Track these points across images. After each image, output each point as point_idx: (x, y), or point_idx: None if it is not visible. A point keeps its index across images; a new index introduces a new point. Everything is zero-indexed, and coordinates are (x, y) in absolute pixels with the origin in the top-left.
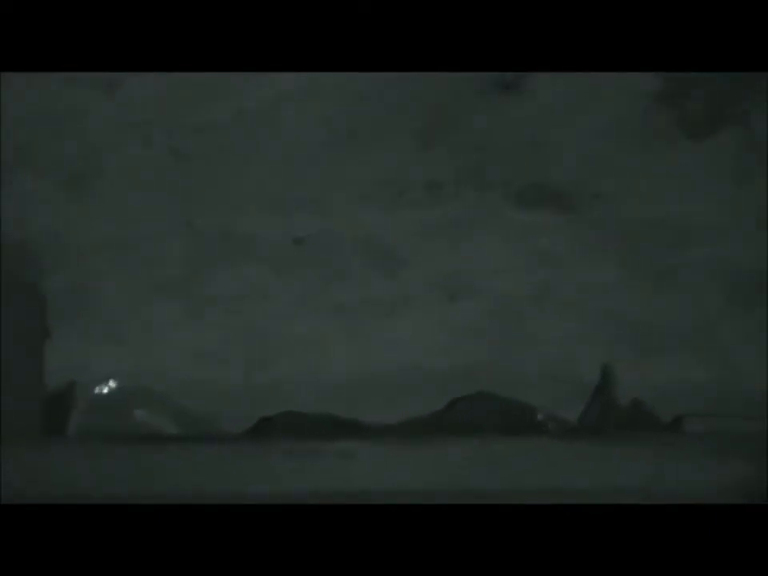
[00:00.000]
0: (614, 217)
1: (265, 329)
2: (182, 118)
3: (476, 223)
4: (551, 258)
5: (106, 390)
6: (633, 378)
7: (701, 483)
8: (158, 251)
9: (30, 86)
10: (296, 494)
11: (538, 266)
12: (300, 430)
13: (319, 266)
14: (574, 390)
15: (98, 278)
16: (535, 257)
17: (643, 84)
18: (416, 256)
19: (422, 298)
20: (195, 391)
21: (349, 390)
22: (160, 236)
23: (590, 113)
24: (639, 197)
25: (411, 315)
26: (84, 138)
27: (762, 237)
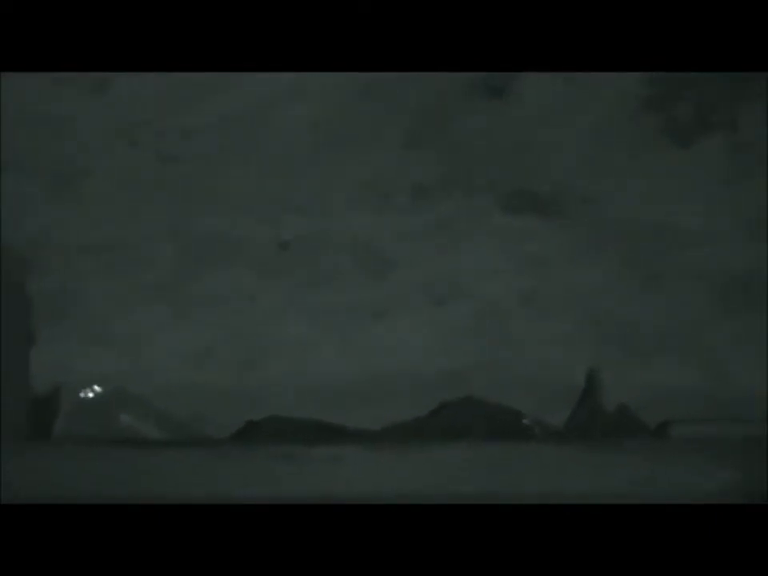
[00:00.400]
0: (601, 221)
1: (252, 332)
2: (170, 121)
3: (464, 227)
4: (539, 261)
5: (91, 394)
6: (620, 382)
7: (688, 488)
8: (146, 254)
9: (18, 88)
10: (282, 499)
11: (525, 270)
12: (286, 435)
13: (307, 269)
14: (560, 394)
15: (85, 280)
16: (523, 260)
17: (631, 88)
18: (404, 260)
19: (410, 301)
20: (181, 395)
21: (335, 394)
22: (147, 239)
23: (577, 116)
24: (627, 200)
25: (399, 319)
26: (72, 141)
27: (750, 240)
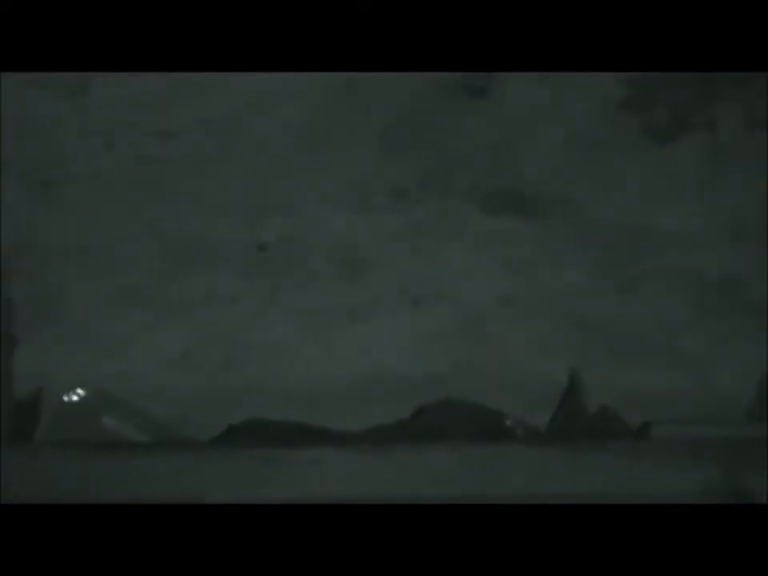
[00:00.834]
0: (580, 223)
1: (232, 334)
2: (149, 124)
3: (442, 229)
4: (518, 263)
5: (74, 398)
6: (601, 383)
7: (670, 489)
8: (126, 257)
9: None
10: (263, 501)
11: (504, 272)
12: (268, 437)
13: (286, 271)
14: (540, 395)
15: (66, 283)
16: (502, 262)
17: (609, 90)
18: (382, 262)
19: (390, 303)
20: (163, 397)
21: (316, 397)
22: (127, 242)
23: (556, 119)
24: (606, 203)
25: (378, 321)
26: (51, 144)
27: (729, 242)
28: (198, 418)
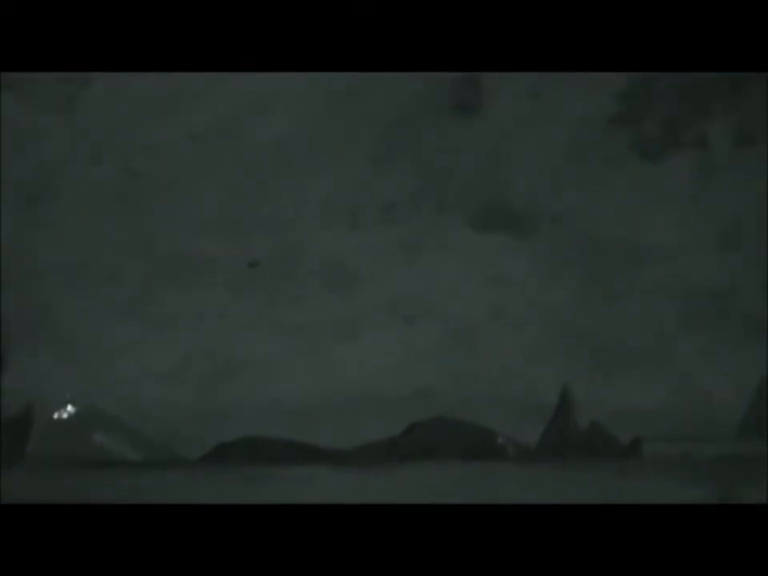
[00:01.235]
0: (570, 237)
1: (221, 351)
2: (138, 138)
3: (433, 244)
4: (508, 278)
5: (65, 414)
6: (591, 398)
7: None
8: (114, 272)
9: None
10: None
11: (494, 287)
12: (258, 455)
13: (276, 287)
14: (532, 411)
15: (55, 298)
16: (492, 277)
17: (600, 105)
18: (372, 277)
19: (379, 319)
20: (152, 413)
21: (306, 414)
22: (115, 256)
23: (546, 134)
24: (595, 217)
25: (368, 337)
26: (39, 158)
27: (720, 256)
28: (187, 433)
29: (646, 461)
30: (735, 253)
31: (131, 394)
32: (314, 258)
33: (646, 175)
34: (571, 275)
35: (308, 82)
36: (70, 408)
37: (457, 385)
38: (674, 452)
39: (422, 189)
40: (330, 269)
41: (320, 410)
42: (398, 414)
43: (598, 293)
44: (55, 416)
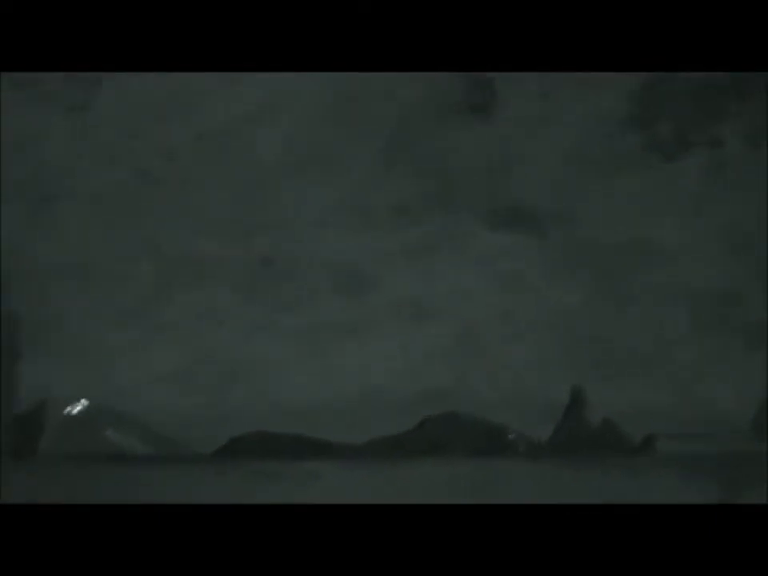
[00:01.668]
0: (580, 239)
1: (230, 352)
2: (147, 141)
3: (442, 245)
4: (518, 280)
5: (76, 410)
6: (600, 399)
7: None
8: (125, 274)
9: None
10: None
11: (504, 289)
12: (269, 450)
13: (284, 289)
14: (542, 410)
15: (65, 300)
16: (502, 279)
17: (610, 106)
18: (382, 278)
19: (389, 320)
20: (163, 413)
21: (317, 411)
22: (126, 258)
23: (557, 136)
24: (606, 219)
25: (378, 337)
26: (46, 159)
27: (729, 259)
28: (198, 432)
29: (656, 459)
30: (745, 256)
31: (143, 394)
32: (322, 260)
33: (658, 177)
34: (582, 277)
35: (317, 83)
36: (83, 403)
37: (467, 386)
38: (683, 451)
39: (433, 190)
40: (338, 271)
41: (328, 412)
42: (408, 415)
43: (609, 295)
44: (66, 412)
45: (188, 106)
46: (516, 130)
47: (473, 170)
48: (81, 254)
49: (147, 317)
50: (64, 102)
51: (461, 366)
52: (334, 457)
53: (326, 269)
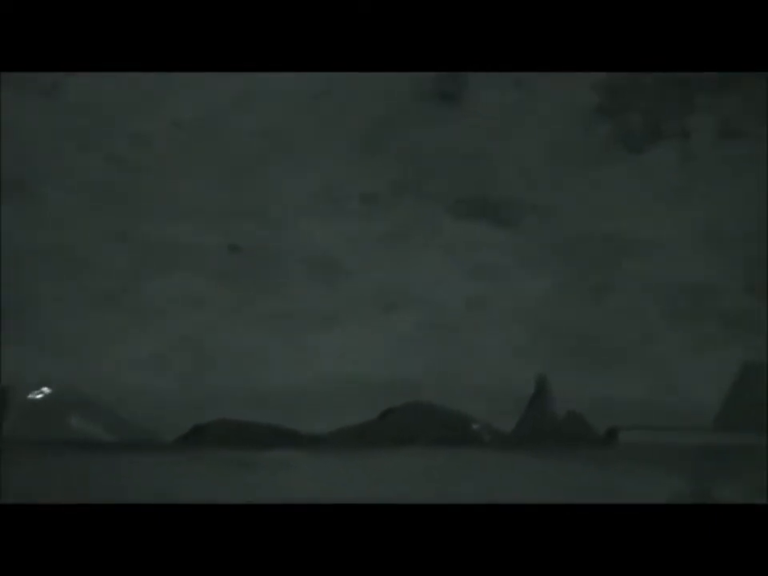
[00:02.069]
0: (551, 230)
1: (202, 338)
2: (122, 126)
3: (414, 235)
4: (488, 270)
5: (40, 396)
6: (571, 390)
7: (635, 494)
8: (96, 259)
9: None
10: (229, 503)
11: (475, 278)
12: (236, 439)
13: (257, 275)
14: (509, 401)
15: (35, 284)
16: (473, 269)
17: (584, 97)
18: (354, 267)
19: (360, 308)
20: (133, 399)
21: (286, 400)
22: (97, 244)
23: (529, 126)
24: (577, 210)
25: (348, 326)
26: (22, 145)
27: (700, 251)
28: (168, 419)
29: (622, 451)
30: (718, 248)
31: (112, 381)
32: (296, 248)
33: (630, 169)
34: (554, 268)
35: (291, 74)
36: (45, 390)
37: (437, 375)
38: (650, 442)
39: (405, 180)
40: (312, 258)
41: (301, 399)
42: (379, 402)
43: (580, 285)
44: (31, 397)
45: (165, 94)
46: (488, 120)
47: (445, 159)
48: (54, 239)
49: (122, 302)
50: (39, 85)
51: (432, 355)
52: (301, 446)
53: (299, 256)
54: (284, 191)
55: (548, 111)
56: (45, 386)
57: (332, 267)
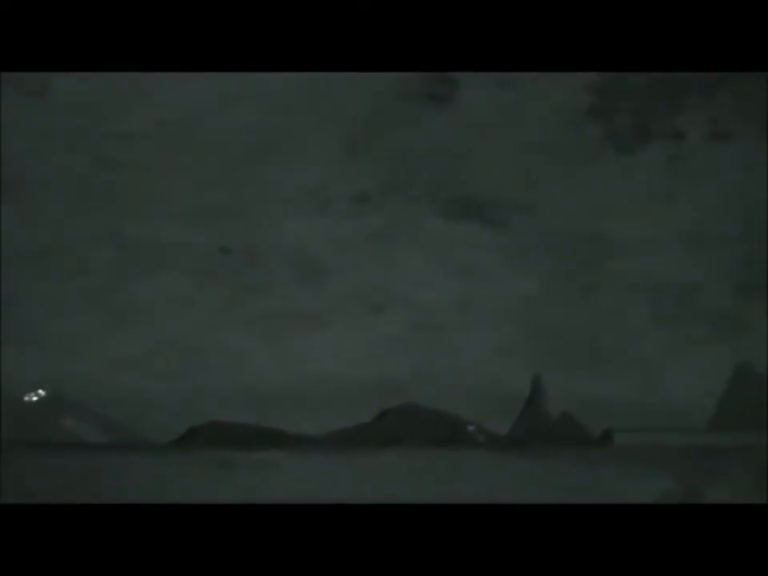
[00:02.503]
0: (539, 230)
1: (190, 338)
2: (108, 126)
3: (401, 235)
4: (476, 270)
5: (34, 398)
6: (559, 390)
7: (627, 495)
8: (83, 259)
9: None
10: (219, 504)
11: (463, 278)
12: (226, 440)
13: (244, 276)
14: (499, 402)
15: (23, 285)
16: (460, 269)
17: (573, 98)
18: (341, 267)
19: (348, 309)
20: (120, 400)
21: (274, 401)
22: (86, 244)
23: (516, 126)
24: (564, 210)
25: (337, 326)
26: (8, 145)
27: (688, 251)
28: (155, 420)
29: (615, 451)
30: (705, 248)
31: (101, 381)
32: (282, 248)
33: (618, 169)
34: (541, 267)
35: (280, 76)
36: (39, 392)
37: (425, 375)
38: (642, 443)
39: (392, 180)
40: (298, 259)
41: (287, 399)
42: (366, 403)
43: (568, 286)
44: (25, 399)
45: (152, 94)
46: (476, 120)
47: (433, 159)
48: (42, 240)
49: (108, 302)
50: (25, 84)
51: (419, 355)
52: (290, 447)
53: (285, 257)
54: (271, 192)
55: (536, 112)
56: (35, 387)
57: (319, 267)
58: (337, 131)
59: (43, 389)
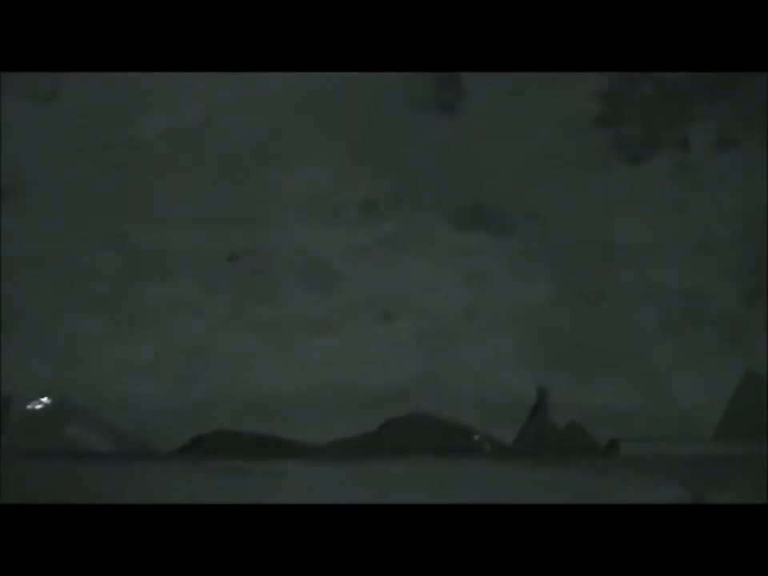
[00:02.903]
0: (547, 238)
1: (197, 345)
2: (116, 132)
3: (410, 242)
4: (485, 278)
5: (39, 406)
6: (567, 399)
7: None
8: (91, 265)
9: None
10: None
11: (471, 286)
12: (233, 449)
13: (252, 282)
14: (508, 410)
15: (30, 292)
16: (470, 277)
17: (581, 106)
18: (350, 274)
19: (356, 316)
20: (127, 407)
21: (281, 409)
22: (91, 250)
23: (525, 134)
24: (573, 218)
25: (345, 333)
26: (16, 150)
27: (697, 259)
28: (162, 428)
29: (622, 461)
30: (712, 256)
31: (106, 389)
32: (291, 255)
33: (626, 176)
34: (549, 276)
35: (288, 78)
36: (44, 400)
37: (433, 382)
38: (649, 453)
39: (402, 187)
40: (307, 265)
41: (295, 407)
42: (374, 410)
43: (576, 293)
44: (29, 408)
45: (158, 100)
46: (486, 128)
47: (442, 167)
48: (48, 245)
49: (114, 309)
50: (34, 90)
51: (427, 363)
52: (297, 456)
53: (294, 264)
54: (280, 198)
55: (545, 119)
56: (39, 394)
57: (328, 274)
58: (346, 139)
59: (48, 396)
